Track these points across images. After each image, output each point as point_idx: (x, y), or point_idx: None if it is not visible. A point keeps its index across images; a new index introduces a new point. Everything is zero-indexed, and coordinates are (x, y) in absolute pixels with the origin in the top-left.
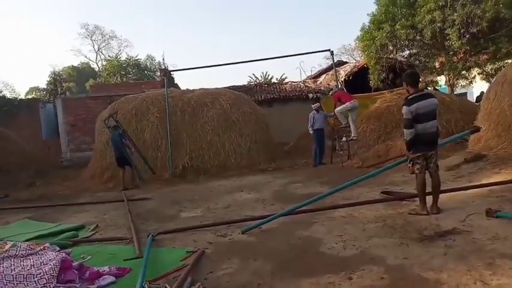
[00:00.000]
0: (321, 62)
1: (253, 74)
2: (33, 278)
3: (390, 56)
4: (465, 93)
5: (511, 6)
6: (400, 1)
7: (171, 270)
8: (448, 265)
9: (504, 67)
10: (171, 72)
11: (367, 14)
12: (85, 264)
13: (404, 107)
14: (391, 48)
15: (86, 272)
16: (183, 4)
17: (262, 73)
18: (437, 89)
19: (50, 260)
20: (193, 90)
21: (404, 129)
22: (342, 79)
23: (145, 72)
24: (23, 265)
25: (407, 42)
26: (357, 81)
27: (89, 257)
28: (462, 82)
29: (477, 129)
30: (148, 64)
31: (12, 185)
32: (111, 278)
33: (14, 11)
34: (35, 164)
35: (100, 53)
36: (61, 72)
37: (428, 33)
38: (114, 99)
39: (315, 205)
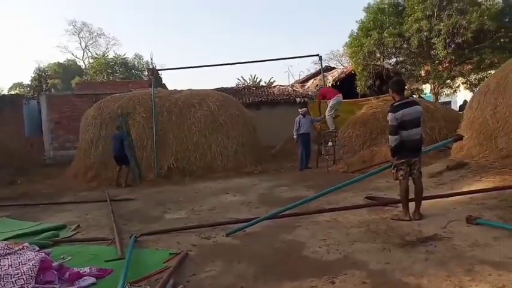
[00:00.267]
0: (309, 66)
1: (242, 77)
2: (11, 279)
3: (377, 63)
4: (449, 102)
5: (495, 18)
6: (388, 9)
7: (154, 272)
8: (428, 270)
9: (487, 77)
10: (159, 72)
11: (356, 21)
12: (65, 265)
13: (390, 114)
14: (378, 55)
15: (65, 273)
16: (173, 4)
17: (251, 76)
18: (422, 97)
19: (28, 260)
20: (181, 90)
21: (390, 136)
22: (330, 84)
23: (133, 71)
24: (0, 265)
25: (394, 50)
26: (344, 87)
27: (70, 258)
28: (446, 91)
29: (460, 138)
30: (136, 63)
31: None
32: (92, 279)
33: None
34: (17, 161)
35: (87, 51)
36: (46, 69)
37: (415, 41)
38: (100, 97)
39: (299, 209)
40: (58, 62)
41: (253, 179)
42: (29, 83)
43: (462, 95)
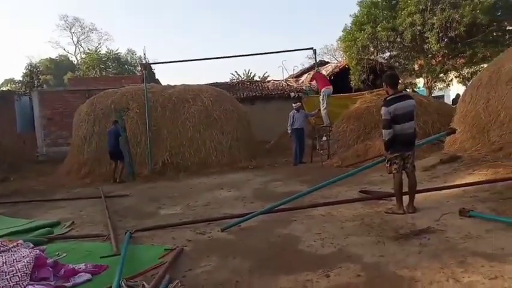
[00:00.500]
0: (303, 61)
1: (236, 72)
2: (5, 276)
3: (371, 57)
4: (442, 96)
5: (488, 12)
6: (381, 3)
7: (149, 268)
8: (422, 263)
9: (480, 71)
10: (152, 68)
11: (350, 15)
12: (60, 262)
13: (383, 108)
14: (372, 49)
15: (61, 270)
16: (171, 2)
17: (245, 71)
18: (415, 91)
19: (23, 257)
20: (175, 86)
21: (383, 130)
22: None
23: (126, 66)
24: None
25: (388, 44)
26: (338, 82)
27: (64, 254)
28: (440, 85)
29: (453, 131)
30: (128, 58)
31: None
32: (87, 276)
33: None
34: (9, 158)
35: (79, 46)
36: (38, 65)
37: (408, 35)
38: (93, 93)
39: (294, 203)
40: (50, 58)
41: (247, 174)
42: (21, 79)
43: (455, 88)
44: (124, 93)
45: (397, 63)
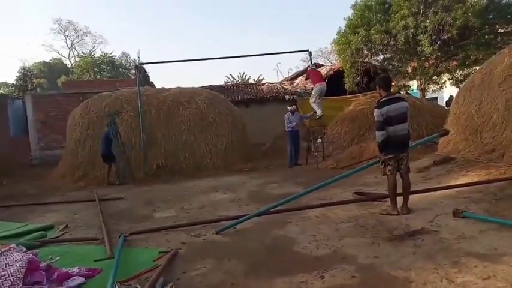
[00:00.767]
0: (297, 64)
1: (231, 74)
2: None
3: (365, 60)
4: (436, 98)
5: (480, 14)
6: (375, 7)
7: (143, 271)
8: (416, 264)
9: (472, 73)
10: (146, 70)
11: (344, 18)
12: (53, 265)
13: (375, 110)
14: (366, 52)
15: (54, 273)
16: (161, 2)
17: (240, 73)
18: (409, 93)
19: (15, 261)
20: (169, 89)
21: (376, 132)
22: None
23: (120, 69)
24: None
25: (381, 47)
26: (333, 84)
27: (58, 258)
28: (433, 87)
29: (446, 132)
30: (123, 61)
31: None
32: (81, 279)
33: None
34: (2, 162)
35: (73, 49)
36: (31, 68)
37: (402, 38)
38: (87, 96)
39: (289, 205)
40: (43, 61)
41: (243, 177)
42: (14, 82)
43: (448, 91)
44: (118, 96)
45: (391, 66)
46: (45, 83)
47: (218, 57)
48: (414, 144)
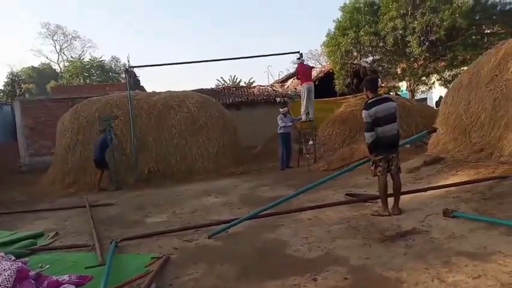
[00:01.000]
0: (288, 66)
1: (221, 78)
2: None
3: (354, 62)
4: (425, 99)
5: (467, 15)
6: (364, 8)
7: (135, 277)
8: (408, 264)
9: (460, 74)
10: (136, 74)
11: (333, 21)
12: (43, 274)
13: (363, 111)
14: (355, 54)
15: (44, 282)
16: (151, 5)
17: (230, 76)
18: (398, 94)
19: (4, 270)
20: (160, 92)
21: (365, 133)
22: None
23: (110, 74)
24: None
25: (370, 49)
26: (323, 86)
27: (48, 266)
28: (422, 88)
29: (434, 130)
30: (113, 66)
31: None
32: (71, 287)
33: None
34: None
35: (62, 54)
36: (20, 73)
37: (391, 40)
38: (77, 101)
39: (281, 208)
40: (32, 66)
41: (234, 180)
42: (2, 88)
43: (437, 91)
44: (108, 100)
45: (380, 67)
46: (34, 89)
47: (208, 59)
48: (403, 142)
